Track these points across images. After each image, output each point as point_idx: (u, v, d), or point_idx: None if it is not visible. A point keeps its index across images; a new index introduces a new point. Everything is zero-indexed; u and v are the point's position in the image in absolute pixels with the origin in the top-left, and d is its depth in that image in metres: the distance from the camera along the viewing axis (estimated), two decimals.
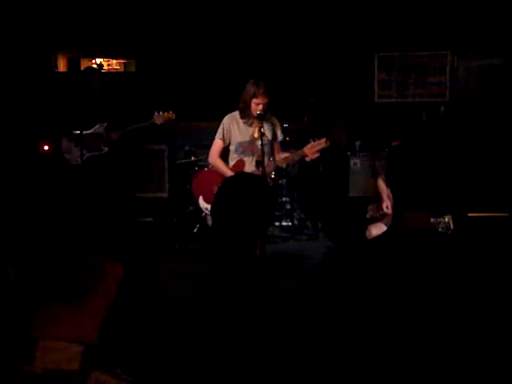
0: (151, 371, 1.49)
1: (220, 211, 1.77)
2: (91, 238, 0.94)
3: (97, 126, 5.33)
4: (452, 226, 3.67)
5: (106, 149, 5.32)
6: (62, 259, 0.90)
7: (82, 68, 6.25)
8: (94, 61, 6.88)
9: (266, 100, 4.10)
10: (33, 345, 0.88)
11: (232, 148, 4.26)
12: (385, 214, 4.20)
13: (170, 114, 5.27)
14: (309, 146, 4.12)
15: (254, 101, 4.09)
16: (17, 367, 0.87)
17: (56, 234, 0.91)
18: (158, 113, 5.24)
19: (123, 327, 1.51)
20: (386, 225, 3.91)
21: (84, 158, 5.24)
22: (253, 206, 1.74)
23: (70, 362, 0.88)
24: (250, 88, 4.11)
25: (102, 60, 6.88)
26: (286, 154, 4.37)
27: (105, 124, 5.31)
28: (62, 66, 7.00)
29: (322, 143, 4.09)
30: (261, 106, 4.09)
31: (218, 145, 4.29)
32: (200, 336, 1.55)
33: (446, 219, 3.66)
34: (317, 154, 4.14)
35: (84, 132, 5.21)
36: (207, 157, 4.49)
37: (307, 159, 4.19)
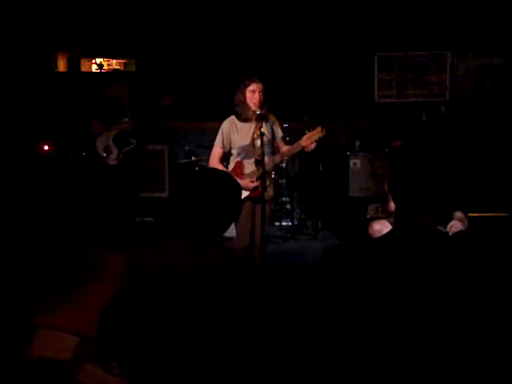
0: (148, 366, 1.49)
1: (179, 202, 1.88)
2: (93, 230, 0.95)
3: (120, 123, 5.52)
4: (467, 222, 3.64)
5: (135, 141, 5.44)
6: (64, 250, 0.91)
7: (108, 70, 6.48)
8: (94, 61, 6.90)
9: (260, 86, 4.05)
10: (31, 332, 0.89)
11: (234, 152, 4.20)
12: (390, 215, 4.18)
13: (174, 96, 5.41)
14: (305, 137, 4.08)
15: (249, 89, 4.05)
16: (13, 350, 0.88)
17: (58, 226, 0.91)
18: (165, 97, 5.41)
19: (123, 320, 1.52)
20: (390, 223, 3.90)
21: (120, 154, 5.42)
22: (210, 199, 1.84)
23: (62, 353, 0.89)
24: (241, 85, 4.09)
25: (101, 60, 6.89)
26: (287, 147, 4.33)
27: (126, 119, 5.44)
28: (62, 66, 7.00)
29: (317, 133, 4.04)
30: (257, 95, 4.04)
31: (217, 152, 4.21)
32: (198, 332, 1.56)
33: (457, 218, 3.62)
34: (314, 145, 4.09)
35: (115, 132, 5.40)
36: (208, 158, 4.46)
37: (306, 150, 4.15)
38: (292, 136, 5.34)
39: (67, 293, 0.92)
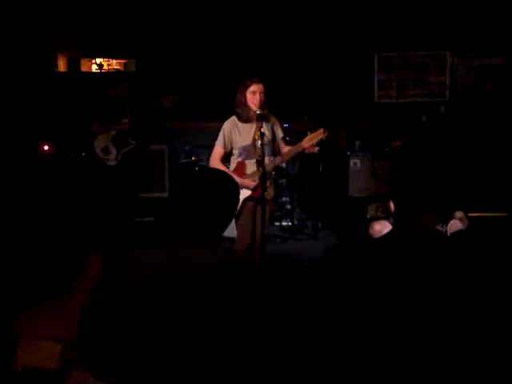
0: (133, 369, 1.49)
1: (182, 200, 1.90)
2: (73, 234, 0.93)
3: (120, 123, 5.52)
4: (467, 221, 3.64)
5: (134, 142, 5.43)
6: (45, 256, 0.90)
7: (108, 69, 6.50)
8: (94, 61, 6.90)
9: (261, 87, 4.03)
10: (13, 343, 0.88)
11: (235, 152, 4.20)
12: (390, 215, 4.16)
13: (175, 96, 5.42)
14: (307, 138, 4.07)
15: (250, 90, 4.04)
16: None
17: (39, 232, 0.90)
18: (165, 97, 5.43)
19: (104, 324, 1.51)
20: (390, 223, 3.89)
21: (119, 155, 5.40)
22: (209, 198, 1.85)
23: (50, 361, 0.88)
24: (242, 86, 4.08)
25: (102, 60, 6.89)
26: (288, 148, 4.32)
27: (126, 120, 5.43)
28: (62, 65, 7.00)
29: (319, 134, 4.02)
30: (258, 96, 4.02)
31: (218, 152, 4.19)
32: (197, 331, 1.55)
33: (457, 217, 3.63)
34: (316, 149, 4.08)
35: (114, 133, 5.38)
36: (208, 158, 4.46)
37: (307, 151, 4.14)
38: (292, 136, 5.34)
39: (47, 299, 0.91)
